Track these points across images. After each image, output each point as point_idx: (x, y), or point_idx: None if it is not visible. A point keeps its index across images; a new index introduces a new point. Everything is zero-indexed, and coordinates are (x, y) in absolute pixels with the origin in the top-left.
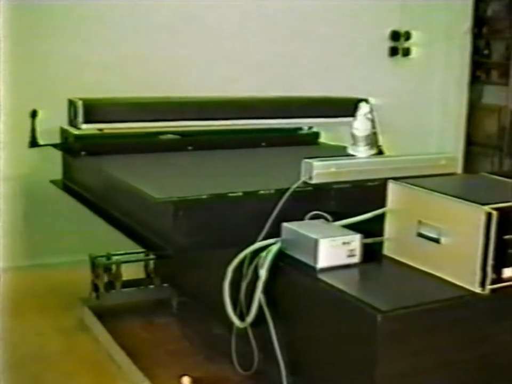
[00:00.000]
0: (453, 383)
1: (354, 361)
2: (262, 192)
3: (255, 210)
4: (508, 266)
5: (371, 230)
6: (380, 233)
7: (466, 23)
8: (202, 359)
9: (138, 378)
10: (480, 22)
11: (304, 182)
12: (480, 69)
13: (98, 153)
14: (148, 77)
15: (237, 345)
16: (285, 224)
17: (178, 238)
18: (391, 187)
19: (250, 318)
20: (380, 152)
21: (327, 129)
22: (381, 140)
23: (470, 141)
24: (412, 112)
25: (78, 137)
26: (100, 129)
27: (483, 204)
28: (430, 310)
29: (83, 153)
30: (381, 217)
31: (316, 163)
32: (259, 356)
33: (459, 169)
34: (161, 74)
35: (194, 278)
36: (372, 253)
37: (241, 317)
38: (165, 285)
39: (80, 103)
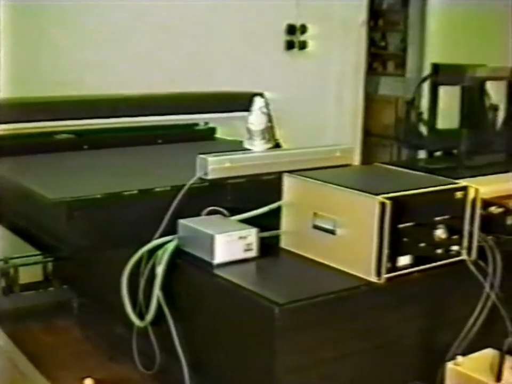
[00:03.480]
0: (355, 373)
1: (255, 356)
2: (157, 189)
3: (152, 208)
4: (402, 255)
5: (269, 223)
6: (278, 226)
7: (362, 15)
8: (105, 360)
9: (41, 382)
10: (375, 14)
11: (200, 178)
12: (377, 60)
13: None
14: (46, 76)
15: (139, 345)
16: (181, 221)
17: (73, 238)
18: (286, 180)
19: (149, 316)
20: (277, 146)
21: (223, 124)
22: (278, 134)
23: (367, 132)
24: (309, 105)
25: None
26: None
27: (377, 194)
28: (328, 301)
29: None
30: (278, 211)
31: (211, 159)
32: (161, 354)
33: (357, 160)
34: (62, 74)
35: (94, 279)
36: (269, 247)
37: (142, 316)
38: (65, 286)
39: None
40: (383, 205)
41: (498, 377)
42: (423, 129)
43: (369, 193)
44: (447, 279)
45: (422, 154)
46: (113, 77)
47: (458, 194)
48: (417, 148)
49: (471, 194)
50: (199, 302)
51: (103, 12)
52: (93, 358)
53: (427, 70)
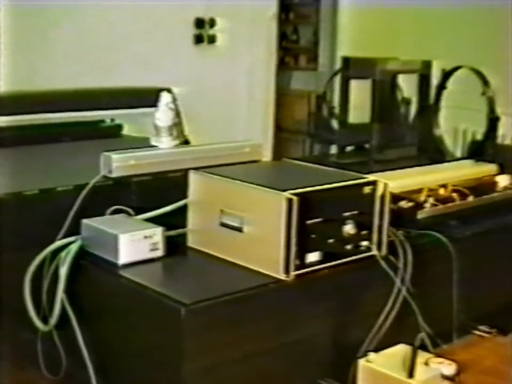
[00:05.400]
0: (265, 372)
1: (162, 357)
2: (59, 189)
3: (54, 208)
4: (311, 251)
5: (176, 222)
6: (185, 225)
7: (272, 8)
8: (9, 367)
9: None
10: (286, 7)
11: (104, 176)
12: (288, 54)
13: None
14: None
15: (45, 350)
16: (84, 221)
17: None
18: (192, 177)
19: (53, 320)
20: (186, 143)
21: (130, 121)
22: (187, 130)
23: (280, 128)
24: (219, 101)
25: None
26: None
27: (283, 190)
28: (235, 300)
29: None
30: (185, 209)
31: (115, 156)
32: (68, 359)
33: (269, 156)
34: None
35: None
36: (175, 246)
37: (47, 320)
38: None
39: None
40: (290, 201)
41: (411, 373)
42: (335, 124)
43: (276, 189)
44: (357, 275)
45: (334, 149)
46: None
47: (367, 189)
48: (328, 142)
49: (380, 189)
50: (105, 304)
51: None
52: None
53: (339, 64)
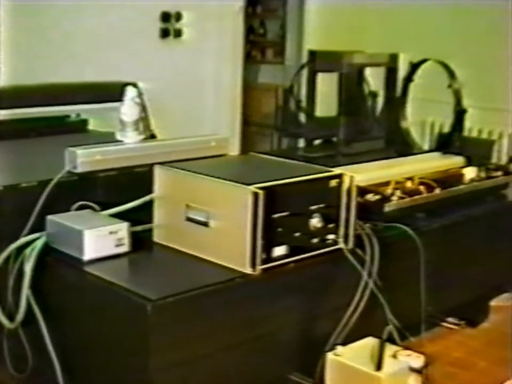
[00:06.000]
0: (232, 366)
1: (129, 353)
2: (24, 185)
3: (18, 205)
4: (278, 245)
5: (142, 217)
6: (151, 220)
7: (239, 2)
8: None
9: None
10: (253, 0)
11: (69, 172)
12: (255, 48)
13: None
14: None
15: (11, 347)
16: (49, 217)
17: None
18: (158, 172)
19: (19, 317)
20: (152, 137)
21: (96, 116)
22: (154, 125)
23: (247, 122)
24: (186, 95)
25: None
26: None
27: (249, 184)
28: (202, 294)
29: None
30: (152, 204)
31: (80, 151)
32: (34, 356)
33: (236, 150)
34: None
35: None
36: (141, 241)
37: (12, 318)
38: None
39: None
40: (256, 195)
41: (379, 365)
42: (302, 118)
43: (242, 183)
44: (324, 269)
45: (302, 142)
46: None
47: (333, 182)
48: (296, 136)
49: (346, 182)
50: (70, 300)
51: None
52: None
53: (306, 57)
